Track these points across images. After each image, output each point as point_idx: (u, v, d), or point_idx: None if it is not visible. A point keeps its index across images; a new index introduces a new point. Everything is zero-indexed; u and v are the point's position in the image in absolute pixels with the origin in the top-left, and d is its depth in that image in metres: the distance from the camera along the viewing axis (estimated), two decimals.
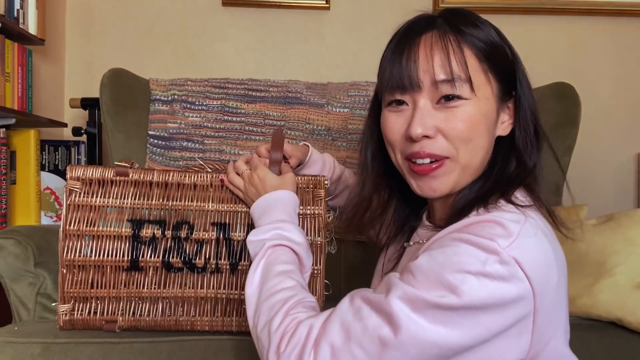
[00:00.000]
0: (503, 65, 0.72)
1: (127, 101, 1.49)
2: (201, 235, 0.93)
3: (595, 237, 1.10)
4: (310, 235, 0.93)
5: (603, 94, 1.99)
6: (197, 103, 1.53)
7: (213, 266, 0.93)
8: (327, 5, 1.93)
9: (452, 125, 0.68)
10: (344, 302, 0.65)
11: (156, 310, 0.93)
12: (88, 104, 1.73)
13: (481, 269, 0.57)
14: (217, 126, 1.51)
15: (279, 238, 0.79)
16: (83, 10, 1.95)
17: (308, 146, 1.06)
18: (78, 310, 0.93)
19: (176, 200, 0.94)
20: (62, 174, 1.71)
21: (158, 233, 0.92)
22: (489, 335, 0.58)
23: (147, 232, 0.92)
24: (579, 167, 1.84)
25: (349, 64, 1.96)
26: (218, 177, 0.95)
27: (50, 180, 1.69)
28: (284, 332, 0.65)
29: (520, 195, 0.69)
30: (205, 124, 1.51)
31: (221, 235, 0.93)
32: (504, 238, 0.59)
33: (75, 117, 1.92)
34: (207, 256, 0.92)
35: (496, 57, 0.71)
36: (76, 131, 1.75)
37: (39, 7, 1.64)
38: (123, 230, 0.91)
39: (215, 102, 1.53)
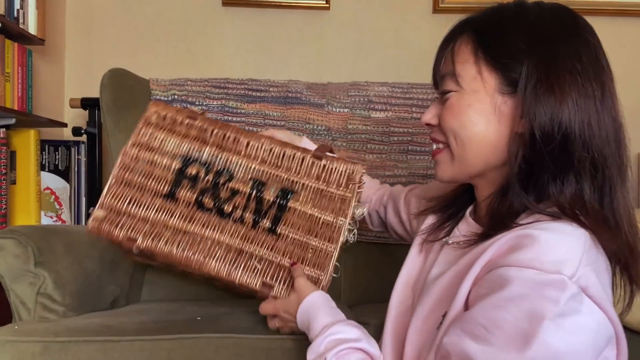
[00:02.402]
0: (503, 56, 0.69)
1: (127, 101, 1.49)
2: (237, 185, 1.00)
3: None
4: (334, 214, 0.97)
5: None
6: (197, 103, 1.53)
7: (238, 216, 0.98)
8: (327, 5, 1.93)
9: (443, 116, 0.74)
10: None
11: (174, 242, 0.97)
12: (88, 104, 1.73)
13: (557, 311, 0.55)
14: None
15: (336, 344, 0.75)
16: (83, 10, 1.96)
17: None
18: (108, 221, 0.98)
19: (228, 152, 1.02)
20: (62, 174, 1.71)
21: (202, 173, 1.01)
22: None
23: (193, 170, 1.01)
24: None
25: (349, 64, 1.96)
26: (264, 143, 1.01)
27: (50, 180, 1.69)
28: None
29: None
30: None
31: (254, 192, 0.99)
32: (568, 264, 0.57)
33: (75, 117, 1.92)
34: (236, 205, 0.99)
35: (494, 47, 0.69)
36: (76, 131, 1.75)
37: (39, 7, 1.64)
38: (174, 162, 1.01)
39: (215, 102, 1.53)
